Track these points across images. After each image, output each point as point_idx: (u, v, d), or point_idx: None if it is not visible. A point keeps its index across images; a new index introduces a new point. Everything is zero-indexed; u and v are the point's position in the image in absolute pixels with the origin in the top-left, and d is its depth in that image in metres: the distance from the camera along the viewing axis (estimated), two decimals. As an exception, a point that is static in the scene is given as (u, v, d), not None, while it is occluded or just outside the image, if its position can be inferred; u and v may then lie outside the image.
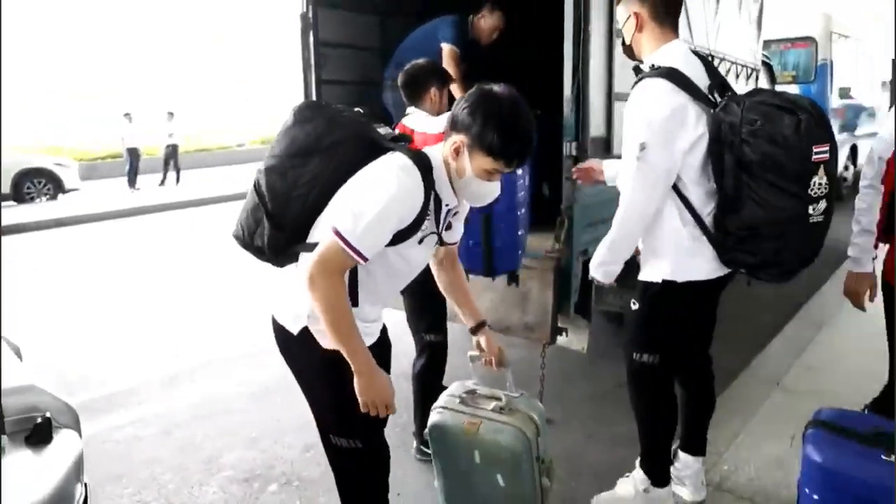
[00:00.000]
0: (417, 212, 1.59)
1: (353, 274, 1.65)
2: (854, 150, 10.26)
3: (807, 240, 1.91)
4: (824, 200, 1.84)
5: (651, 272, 2.08)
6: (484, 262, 2.68)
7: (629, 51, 2.15)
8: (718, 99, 1.95)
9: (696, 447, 2.35)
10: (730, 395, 3.16)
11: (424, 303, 2.70)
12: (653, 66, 1.98)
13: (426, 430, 2.05)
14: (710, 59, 4.18)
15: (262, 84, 26.79)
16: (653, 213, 1.99)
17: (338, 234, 1.53)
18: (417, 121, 2.72)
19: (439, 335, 2.77)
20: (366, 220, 1.52)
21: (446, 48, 3.73)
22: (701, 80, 1.96)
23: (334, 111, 1.75)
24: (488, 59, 3.98)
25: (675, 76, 1.90)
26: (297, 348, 1.71)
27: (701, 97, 1.92)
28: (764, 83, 6.26)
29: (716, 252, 2.00)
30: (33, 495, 1.41)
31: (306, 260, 1.60)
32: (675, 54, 1.99)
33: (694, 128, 1.92)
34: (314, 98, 3.95)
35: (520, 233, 2.74)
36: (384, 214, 1.54)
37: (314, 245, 1.60)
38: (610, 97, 3.13)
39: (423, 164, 1.63)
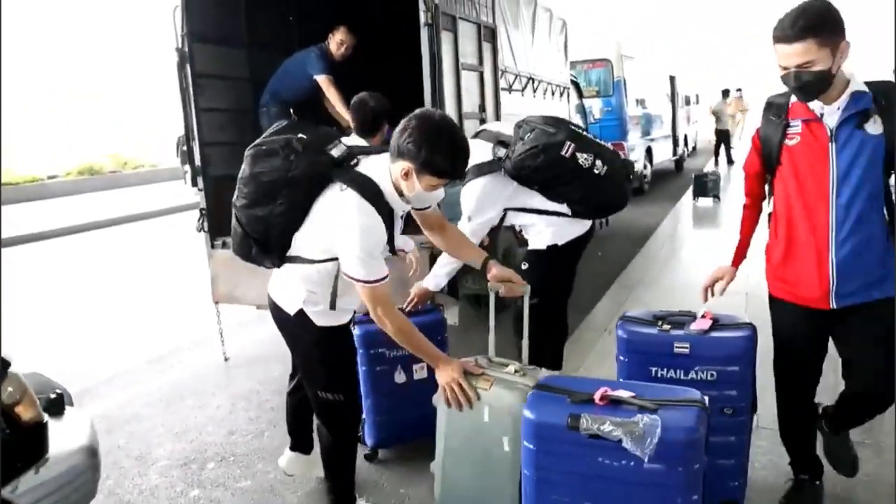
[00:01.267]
0: (385, 231, 2.00)
1: (335, 281, 2.11)
2: (650, 151, 12.18)
3: (610, 182, 2.83)
4: (598, 160, 2.76)
5: (538, 244, 2.98)
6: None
7: None
8: (502, 151, 2.77)
9: (558, 364, 3.19)
10: (571, 343, 4.03)
11: None
12: None
13: (434, 397, 2.17)
14: (530, 80, 5.16)
15: (77, 107, 24.76)
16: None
17: (359, 281, 1.96)
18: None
19: None
20: (363, 261, 1.94)
21: (321, 79, 4.27)
22: (483, 150, 2.77)
23: (286, 153, 2.01)
24: (350, 74, 4.49)
25: (471, 171, 2.69)
26: (293, 325, 2.18)
27: (490, 166, 2.76)
28: (574, 98, 7.48)
29: (580, 219, 2.94)
30: (78, 442, 1.80)
31: (292, 269, 2.11)
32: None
33: (501, 191, 2.79)
34: (195, 126, 4.25)
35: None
36: (367, 249, 1.94)
37: (295, 257, 2.09)
38: (461, 115, 3.91)
39: (372, 195, 1.96)
